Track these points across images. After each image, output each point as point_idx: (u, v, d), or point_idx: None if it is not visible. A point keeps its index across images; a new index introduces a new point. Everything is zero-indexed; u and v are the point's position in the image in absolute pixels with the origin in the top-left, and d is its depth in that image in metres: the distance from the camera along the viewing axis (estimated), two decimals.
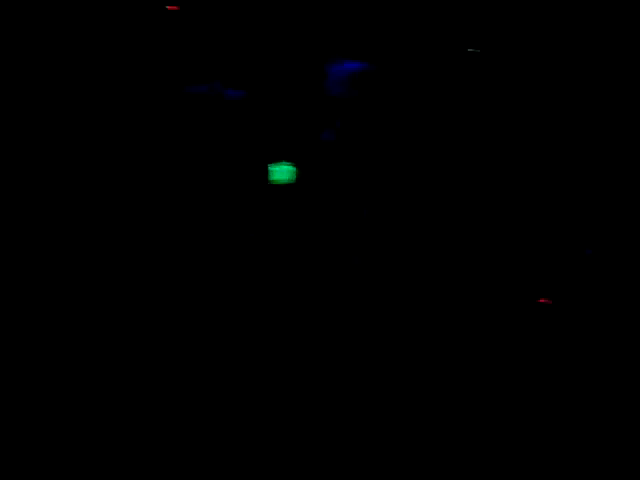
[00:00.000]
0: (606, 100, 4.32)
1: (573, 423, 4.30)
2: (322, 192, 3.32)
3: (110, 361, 4.59)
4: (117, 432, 4.22)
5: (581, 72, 4.24)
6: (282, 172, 3.19)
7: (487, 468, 4.02)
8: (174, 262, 4.45)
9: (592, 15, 4.22)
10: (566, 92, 4.24)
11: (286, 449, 4.15)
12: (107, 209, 4.63)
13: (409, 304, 4.13)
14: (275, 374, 4.36)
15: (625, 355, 4.43)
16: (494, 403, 4.27)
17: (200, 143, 3.50)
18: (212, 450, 4.15)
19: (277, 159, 3.19)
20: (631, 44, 4.25)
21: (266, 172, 3.18)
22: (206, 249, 3.99)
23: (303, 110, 3.32)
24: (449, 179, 4.08)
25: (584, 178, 4.43)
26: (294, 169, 3.24)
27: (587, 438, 4.22)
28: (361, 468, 4.02)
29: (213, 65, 3.42)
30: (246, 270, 3.74)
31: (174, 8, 3.24)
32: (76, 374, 4.47)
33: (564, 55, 4.26)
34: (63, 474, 4.07)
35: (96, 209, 4.68)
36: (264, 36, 3.66)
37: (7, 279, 4.63)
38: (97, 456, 4.11)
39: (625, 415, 4.22)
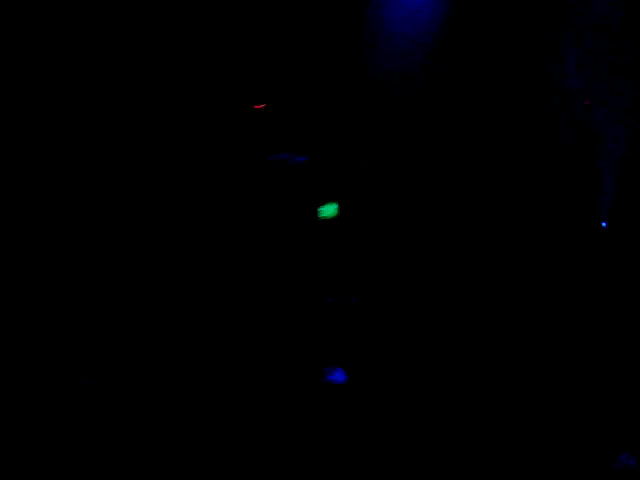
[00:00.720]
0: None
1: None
2: (356, 223, 4.75)
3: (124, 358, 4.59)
4: (117, 432, 4.23)
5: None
6: (328, 210, 4.65)
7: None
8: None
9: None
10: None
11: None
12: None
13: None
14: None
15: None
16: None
17: (278, 190, 4.86)
18: (212, 450, 4.17)
19: (325, 202, 4.65)
20: None
21: (317, 211, 4.65)
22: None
23: (342, 171, 4.73)
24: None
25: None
26: (335, 207, 4.70)
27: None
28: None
29: (286, 142, 4.83)
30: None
31: (260, 107, 4.73)
32: (76, 374, 4.47)
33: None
34: (63, 474, 4.04)
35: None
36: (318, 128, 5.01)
37: (7, 279, 4.64)
38: (97, 456, 4.12)
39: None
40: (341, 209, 4.60)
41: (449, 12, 4.78)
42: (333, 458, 3.93)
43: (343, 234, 4.70)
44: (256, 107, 4.77)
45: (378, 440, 3.95)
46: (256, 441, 4.02)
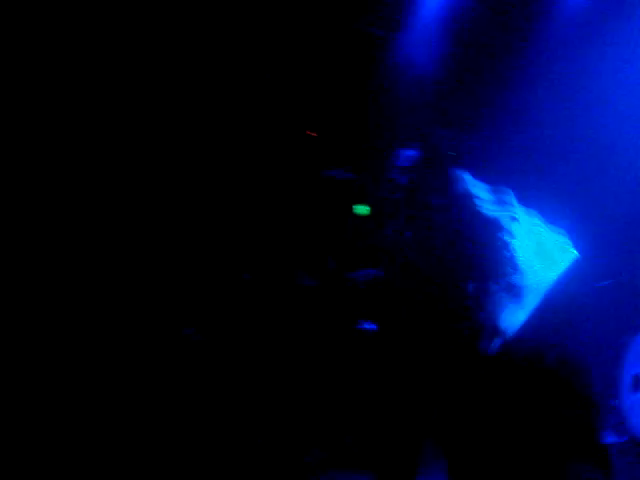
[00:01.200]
0: None
1: None
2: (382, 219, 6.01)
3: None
4: (117, 432, 4.30)
5: None
6: (362, 209, 6.00)
7: None
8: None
9: None
10: None
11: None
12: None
13: None
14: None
15: None
16: None
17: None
18: (211, 449, 4.41)
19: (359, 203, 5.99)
20: None
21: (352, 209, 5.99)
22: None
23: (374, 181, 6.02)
24: None
25: None
26: (368, 208, 6.05)
27: None
28: None
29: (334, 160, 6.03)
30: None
31: (312, 134, 6.06)
32: (77, 374, 4.50)
33: None
34: (63, 474, 4.03)
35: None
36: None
37: (7, 279, 4.59)
38: (97, 455, 4.15)
39: None
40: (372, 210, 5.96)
41: None
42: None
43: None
44: (308, 133, 6.11)
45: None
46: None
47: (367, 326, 5.32)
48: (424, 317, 4.55)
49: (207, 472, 4.41)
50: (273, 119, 5.86)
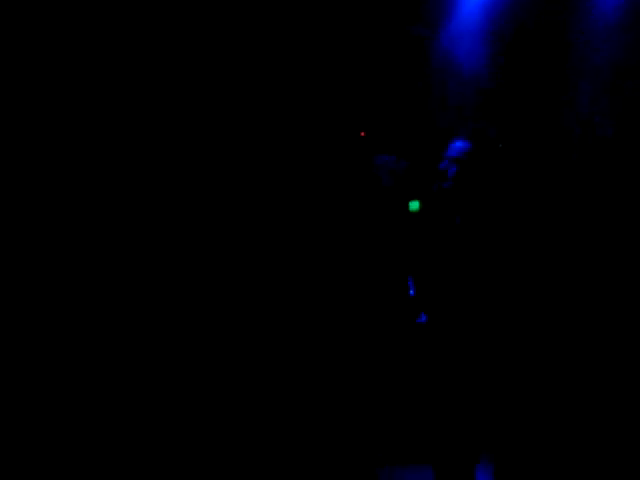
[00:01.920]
0: None
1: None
2: (433, 216, 6.10)
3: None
4: (117, 431, 4.24)
5: None
6: (414, 204, 6.10)
7: None
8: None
9: None
10: None
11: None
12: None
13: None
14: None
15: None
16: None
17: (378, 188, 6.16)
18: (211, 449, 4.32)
19: (413, 198, 6.10)
20: None
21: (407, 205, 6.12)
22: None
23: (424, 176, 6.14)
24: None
25: None
26: (419, 203, 6.15)
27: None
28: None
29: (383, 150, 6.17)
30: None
31: (363, 134, 6.22)
32: (77, 374, 4.41)
33: None
34: (63, 474, 4.02)
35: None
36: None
37: (8, 279, 4.50)
38: (97, 455, 4.12)
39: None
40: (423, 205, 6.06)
41: None
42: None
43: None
44: (362, 134, 6.27)
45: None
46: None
47: (422, 319, 5.39)
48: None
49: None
50: (324, 120, 6.02)
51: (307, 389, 4.97)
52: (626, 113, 5.88)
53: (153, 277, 4.75)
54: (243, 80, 5.62)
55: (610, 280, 5.19)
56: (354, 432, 4.93)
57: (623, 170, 5.65)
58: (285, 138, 5.66)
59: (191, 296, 4.80)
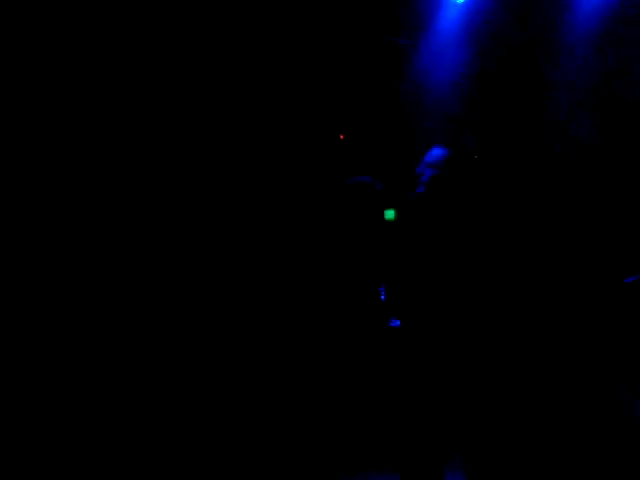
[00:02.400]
0: None
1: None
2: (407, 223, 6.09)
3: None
4: (117, 431, 4.25)
5: None
6: (389, 213, 6.11)
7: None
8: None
9: None
10: None
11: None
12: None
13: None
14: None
15: None
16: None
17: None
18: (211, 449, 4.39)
19: (389, 207, 6.12)
20: None
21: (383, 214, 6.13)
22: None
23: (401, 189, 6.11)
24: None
25: None
26: (394, 212, 6.16)
27: None
28: None
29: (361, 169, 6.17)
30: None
31: (342, 137, 6.20)
32: (77, 374, 4.41)
33: None
34: (63, 474, 4.01)
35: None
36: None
37: (8, 279, 4.51)
38: (97, 456, 4.13)
39: None
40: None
41: None
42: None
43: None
44: (341, 137, 6.29)
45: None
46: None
47: (393, 323, 5.37)
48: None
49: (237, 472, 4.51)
50: (307, 125, 6.06)
51: (277, 394, 4.98)
52: (604, 122, 5.88)
53: (146, 277, 4.83)
54: (225, 85, 5.74)
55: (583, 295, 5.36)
56: (324, 438, 4.86)
57: (602, 179, 5.67)
58: (263, 147, 5.78)
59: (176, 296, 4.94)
